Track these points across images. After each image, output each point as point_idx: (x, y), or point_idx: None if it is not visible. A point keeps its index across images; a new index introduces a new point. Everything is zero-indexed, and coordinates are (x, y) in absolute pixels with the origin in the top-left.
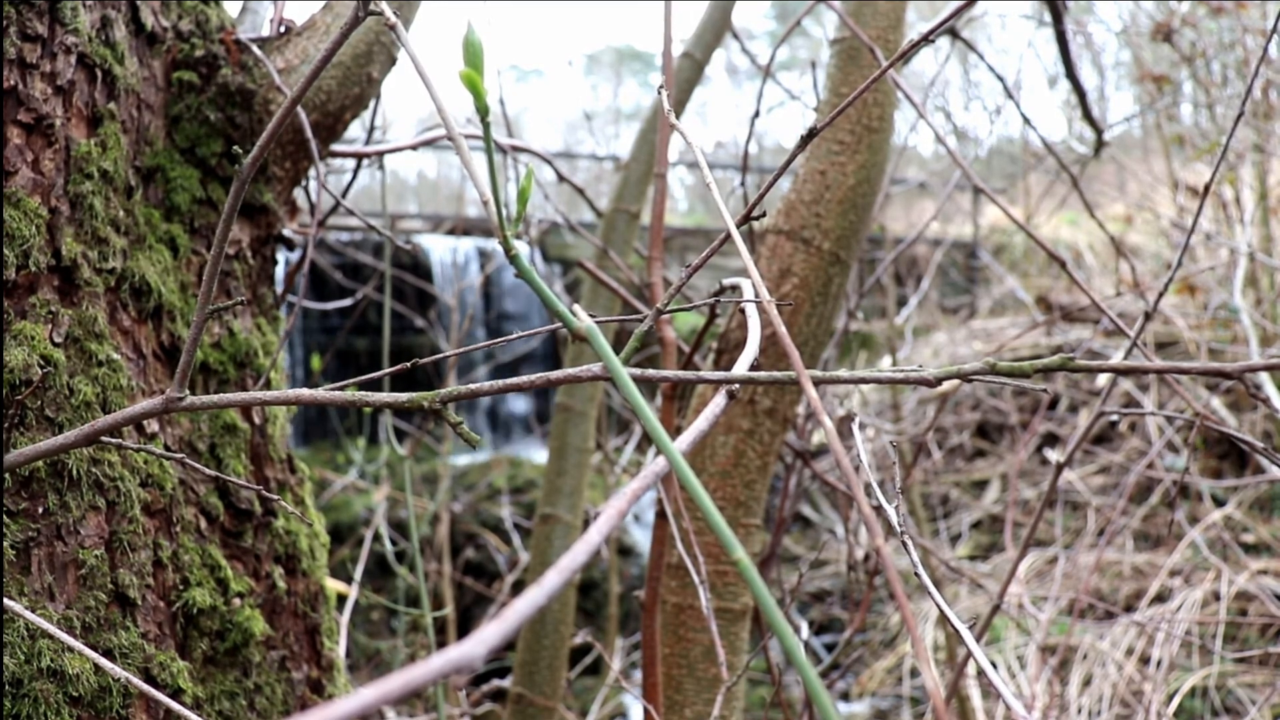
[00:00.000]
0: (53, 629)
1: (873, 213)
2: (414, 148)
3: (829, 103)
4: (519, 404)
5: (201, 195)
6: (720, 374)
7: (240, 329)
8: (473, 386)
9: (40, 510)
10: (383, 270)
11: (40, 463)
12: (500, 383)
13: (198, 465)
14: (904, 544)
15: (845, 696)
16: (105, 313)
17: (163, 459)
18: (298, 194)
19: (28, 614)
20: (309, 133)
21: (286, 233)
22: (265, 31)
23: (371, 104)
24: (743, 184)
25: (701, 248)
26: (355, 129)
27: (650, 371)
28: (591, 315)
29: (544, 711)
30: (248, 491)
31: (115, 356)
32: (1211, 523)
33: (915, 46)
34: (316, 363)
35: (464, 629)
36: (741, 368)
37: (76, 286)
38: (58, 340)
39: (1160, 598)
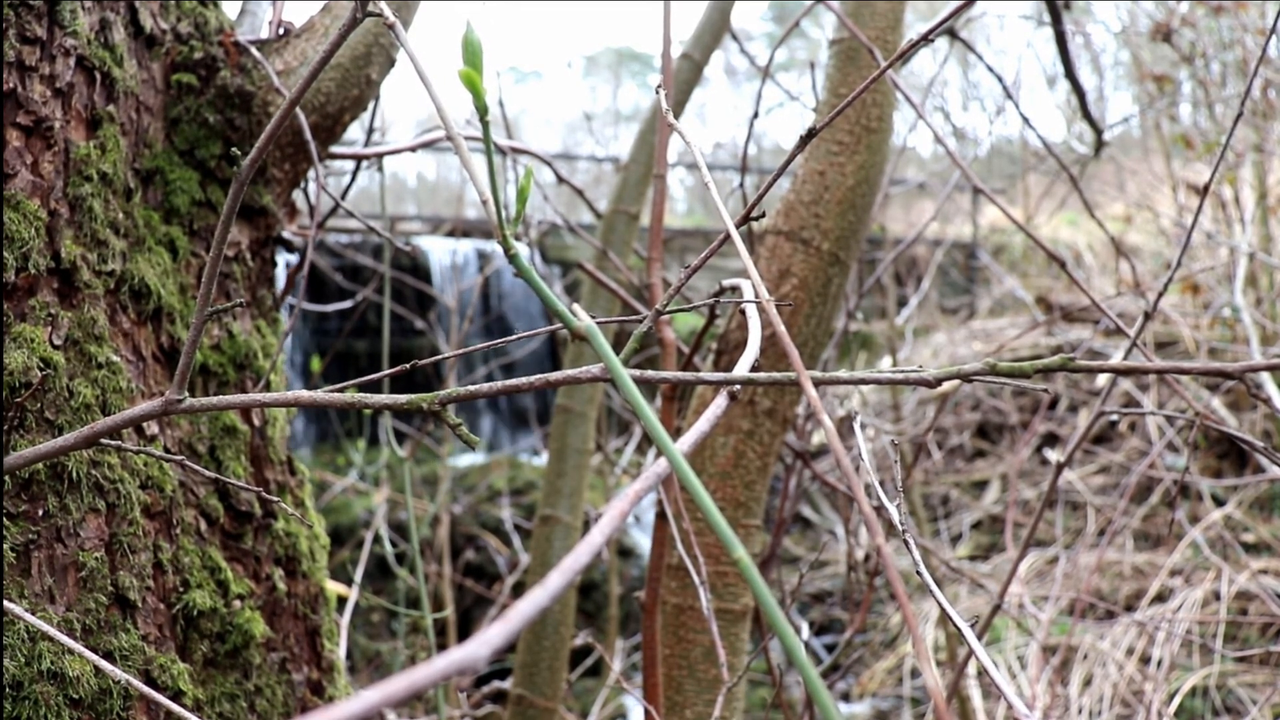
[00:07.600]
0: (53, 631)
1: (872, 213)
2: (413, 149)
3: (828, 103)
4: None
5: (201, 197)
6: (721, 375)
7: (239, 331)
8: (473, 388)
9: (40, 513)
10: (382, 272)
11: (40, 465)
12: (500, 384)
13: (197, 467)
14: (905, 543)
15: (846, 697)
16: (105, 315)
17: (162, 461)
18: (297, 196)
19: (28, 616)
20: (308, 134)
21: (286, 235)
22: (264, 34)
23: (370, 106)
24: (741, 185)
25: (700, 249)
26: (354, 131)
27: (650, 373)
28: (591, 316)
29: (544, 713)
30: (248, 493)
31: (115, 359)
32: (1212, 522)
33: (914, 47)
34: (316, 364)
35: (464, 631)
36: (742, 368)
37: (76, 289)
38: (57, 343)
39: (1160, 597)
